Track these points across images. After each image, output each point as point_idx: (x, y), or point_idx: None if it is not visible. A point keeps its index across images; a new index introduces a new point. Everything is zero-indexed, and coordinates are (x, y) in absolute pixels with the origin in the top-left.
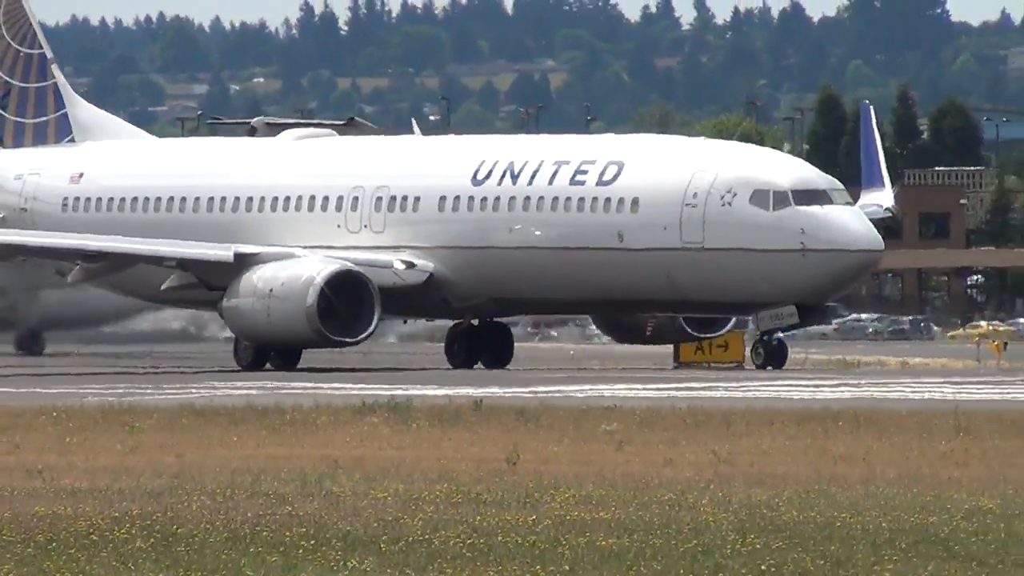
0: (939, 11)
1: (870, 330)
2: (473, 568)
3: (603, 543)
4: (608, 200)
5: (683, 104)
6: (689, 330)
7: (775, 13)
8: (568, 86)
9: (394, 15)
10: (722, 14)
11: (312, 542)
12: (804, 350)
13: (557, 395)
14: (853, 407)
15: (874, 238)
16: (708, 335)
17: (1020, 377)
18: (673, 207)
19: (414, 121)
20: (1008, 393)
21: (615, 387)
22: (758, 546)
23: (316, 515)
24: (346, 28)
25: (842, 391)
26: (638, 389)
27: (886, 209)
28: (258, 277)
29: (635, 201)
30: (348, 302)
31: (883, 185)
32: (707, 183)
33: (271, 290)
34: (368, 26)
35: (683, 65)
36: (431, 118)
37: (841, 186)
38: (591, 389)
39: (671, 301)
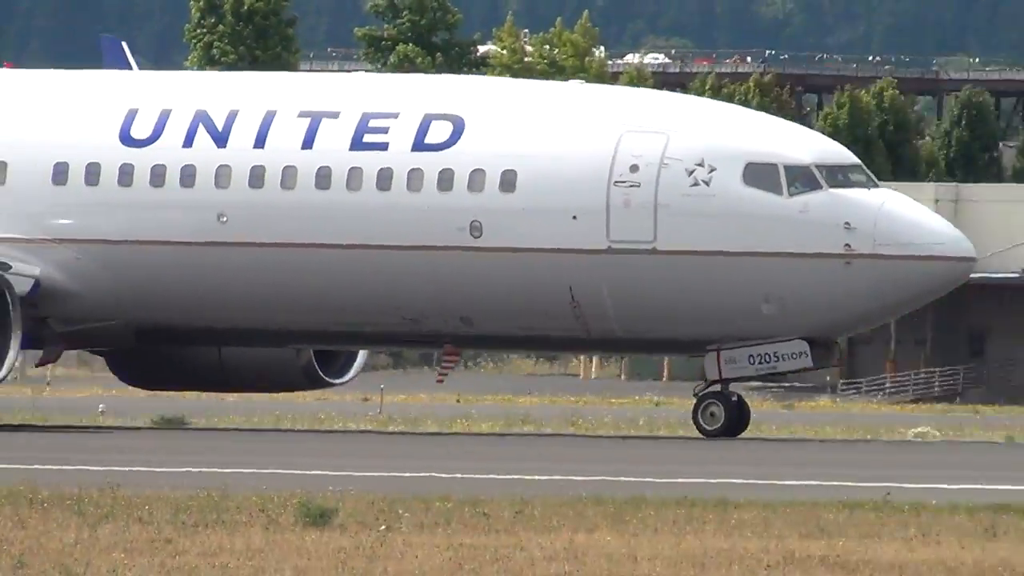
0: None
1: None
2: None
3: None
4: (447, 172)
5: None
6: (320, 371)
7: None
8: None
9: None
10: None
11: None
12: None
13: None
14: None
15: (967, 243)
16: (337, 380)
17: None
18: (590, 185)
19: None
20: None
21: None
22: None
23: None
24: None
25: None
26: None
27: None
28: None
29: (506, 175)
30: None
31: None
32: (656, 150)
33: None
34: None
35: None
36: None
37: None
38: None
39: (579, 338)
